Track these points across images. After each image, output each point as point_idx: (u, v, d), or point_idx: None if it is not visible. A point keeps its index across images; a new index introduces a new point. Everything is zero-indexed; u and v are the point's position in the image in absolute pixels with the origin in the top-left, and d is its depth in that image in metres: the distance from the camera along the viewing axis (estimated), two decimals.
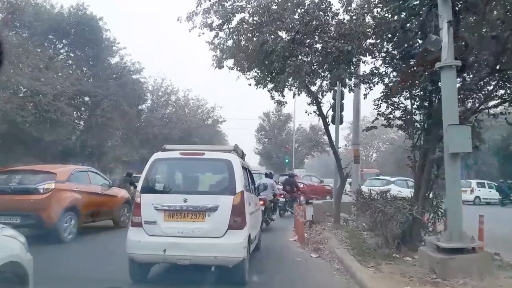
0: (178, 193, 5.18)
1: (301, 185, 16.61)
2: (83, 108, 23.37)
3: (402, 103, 8.60)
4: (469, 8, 6.10)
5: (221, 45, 9.26)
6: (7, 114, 16.15)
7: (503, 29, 6.08)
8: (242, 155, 6.39)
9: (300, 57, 8.08)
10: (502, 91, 7.21)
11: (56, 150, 21.24)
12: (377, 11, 7.98)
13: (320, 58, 7.35)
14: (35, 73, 18.38)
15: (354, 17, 8.18)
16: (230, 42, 9.14)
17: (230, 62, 9.90)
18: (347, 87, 10.12)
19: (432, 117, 7.14)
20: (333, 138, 11.19)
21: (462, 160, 10.95)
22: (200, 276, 5.06)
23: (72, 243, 8.05)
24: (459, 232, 5.24)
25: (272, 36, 8.03)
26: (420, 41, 6.87)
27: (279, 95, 10.44)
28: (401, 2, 6.54)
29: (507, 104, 7.23)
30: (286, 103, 10.82)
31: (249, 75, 10.10)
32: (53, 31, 22.28)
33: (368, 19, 8.27)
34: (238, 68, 9.93)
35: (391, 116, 8.54)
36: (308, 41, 7.80)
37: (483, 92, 7.26)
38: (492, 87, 7.15)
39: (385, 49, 8.36)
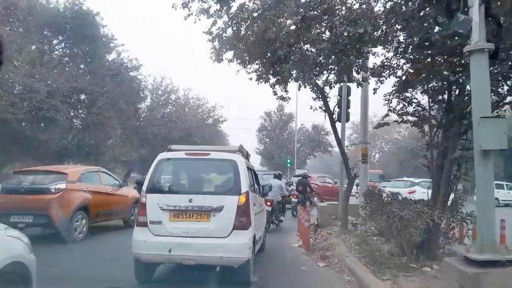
0: (184, 193, 5.20)
1: (314, 186, 16.57)
2: (79, 106, 22.64)
3: (415, 98, 7.97)
4: None
5: (220, 35, 8.57)
6: None
7: None
8: (247, 156, 6.41)
9: (306, 46, 7.37)
10: None
11: (52, 150, 20.59)
12: None
13: (330, 44, 6.62)
14: (28, 70, 17.73)
15: (363, 5, 7.46)
16: (229, 31, 8.47)
17: (229, 55, 9.26)
18: (355, 81, 9.44)
19: (452, 111, 6.45)
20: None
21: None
22: (205, 276, 5.00)
23: (83, 242, 8.25)
24: (492, 242, 4.53)
25: (276, 23, 7.30)
26: (438, 29, 6.20)
27: (282, 90, 9.78)
28: None
29: None
30: (289, 99, 10.16)
31: (250, 68, 9.45)
32: (49, 27, 21.60)
33: (379, 7, 7.56)
34: (238, 61, 9.27)
35: (404, 111, 7.90)
36: (315, 26, 7.07)
37: (508, 83, 6.54)
38: None
39: (397, 39, 7.70)
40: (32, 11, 19.74)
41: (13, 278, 3.09)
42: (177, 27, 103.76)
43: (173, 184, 5.60)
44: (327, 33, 7.16)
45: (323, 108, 9.52)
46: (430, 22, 6.46)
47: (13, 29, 20.10)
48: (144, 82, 27.61)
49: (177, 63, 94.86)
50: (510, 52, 5.81)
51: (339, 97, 11.45)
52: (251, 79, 9.58)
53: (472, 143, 6.52)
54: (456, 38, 5.84)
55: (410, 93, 7.89)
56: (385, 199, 7.52)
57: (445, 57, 6.32)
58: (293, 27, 6.98)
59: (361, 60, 7.58)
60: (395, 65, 7.92)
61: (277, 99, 10.09)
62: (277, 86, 9.63)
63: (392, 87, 7.95)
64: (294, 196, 12.85)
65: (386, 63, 8.01)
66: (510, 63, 5.98)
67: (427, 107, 8.02)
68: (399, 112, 7.96)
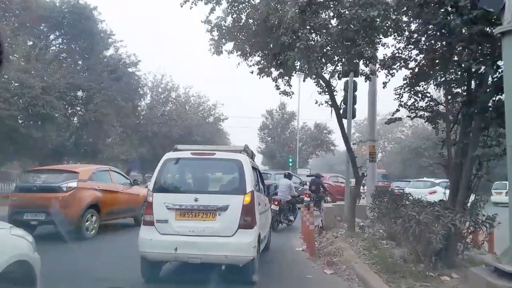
0: (189, 193, 5.26)
1: (327, 186, 16.34)
2: (76, 103, 22.04)
3: (427, 92, 7.41)
4: None
5: (219, 25, 7.99)
6: None
7: None
8: (252, 156, 6.44)
9: (312, 35, 6.78)
10: None
11: (49, 148, 20.07)
12: None
13: (338, 31, 6.01)
14: (22, 65, 17.19)
15: None
16: (229, 20, 7.89)
17: (229, 46, 8.66)
18: (363, 75, 8.85)
19: (472, 104, 5.87)
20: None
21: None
22: (210, 275, 4.97)
23: (93, 240, 8.46)
24: None
25: (279, 9, 6.70)
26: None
27: (285, 85, 9.18)
28: None
29: None
30: (292, 93, 9.54)
31: (251, 61, 8.87)
32: (45, 21, 21.01)
33: None
34: (239, 53, 8.68)
35: (416, 107, 7.35)
36: (323, 11, 6.48)
37: None
38: None
39: (409, 29, 7.12)
40: (28, 5, 19.14)
41: (17, 277, 3.12)
42: (177, 27, 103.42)
43: (179, 183, 5.67)
44: (335, 20, 6.56)
45: (329, 103, 8.93)
46: (448, 7, 5.89)
47: (8, 24, 19.53)
48: (143, 79, 27.13)
49: (177, 63, 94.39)
50: None
51: (345, 92, 10.87)
52: (252, 72, 8.99)
53: (493, 139, 6.04)
54: (477, 24, 5.29)
55: (422, 87, 7.37)
56: (400, 202, 6.94)
57: (465, 44, 5.74)
58: (297, 9, 6.35)
59: (372, 49, 6.96)
60: (406, 57, 7.40)
61: (280, 94, 9.48)
62: (279, 80, 9.05)
63: (403, 80, 7.41)
64: (307, 195, 12.64)
65: (397, 54, 7.47)
66: None
67: (440, 101, 7.48)
68: (411, 107, 7.43)
